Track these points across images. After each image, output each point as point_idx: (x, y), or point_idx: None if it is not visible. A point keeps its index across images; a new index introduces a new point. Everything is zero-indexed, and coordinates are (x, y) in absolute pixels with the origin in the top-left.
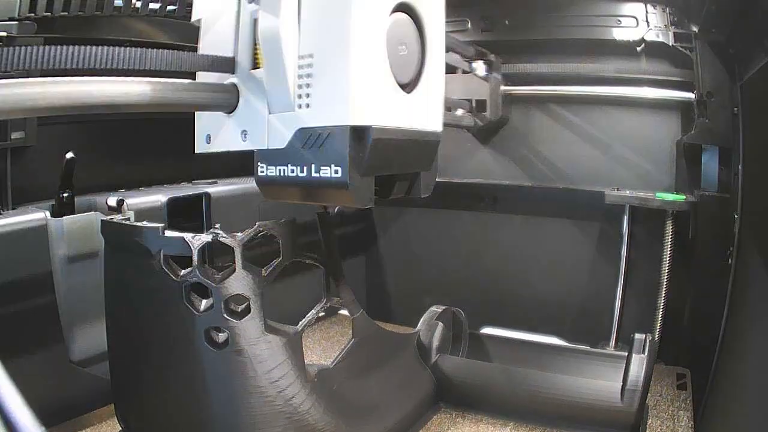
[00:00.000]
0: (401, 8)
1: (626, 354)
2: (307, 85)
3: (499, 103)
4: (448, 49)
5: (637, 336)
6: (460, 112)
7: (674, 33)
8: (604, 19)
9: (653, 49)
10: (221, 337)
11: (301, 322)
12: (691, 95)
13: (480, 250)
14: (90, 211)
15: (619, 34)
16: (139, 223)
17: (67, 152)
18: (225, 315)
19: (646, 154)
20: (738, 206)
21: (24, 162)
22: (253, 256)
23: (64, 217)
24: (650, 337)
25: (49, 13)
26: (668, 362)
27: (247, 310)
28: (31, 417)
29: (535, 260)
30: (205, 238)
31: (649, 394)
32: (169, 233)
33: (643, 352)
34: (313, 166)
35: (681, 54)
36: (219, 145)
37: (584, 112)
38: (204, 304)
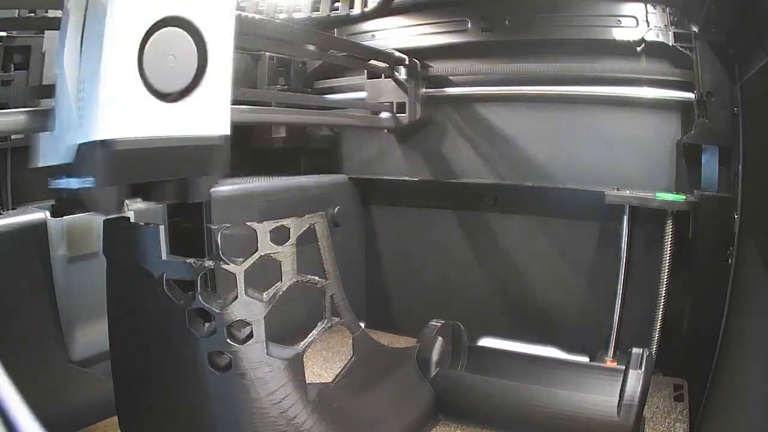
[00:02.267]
0: (172, 23)
1: (623, 368)
2: (81, 107)
3: (417, 105)
4: (370, 57)
5: (635, 350)
6: (385, 114)
7: (674, 33)
8: (604, 19)
9: (653, 49)
10: (224, 359)
11: (302, 343)
12: (691, 95)
13: (479, 251)
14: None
15: (619, 34)
16: (140, 224)
17: None
18: (228, 340)
19: (646, 154)
20: (738, 206)
21: (24, 162)
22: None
23: (64, 217)
24: (647, 352)
25: None
26: (666, 372)
27: (250, 335)
28: (31, 417)
29: (534, 260)
30: (207, 264)
31: (646, 406)
32: (171, 258)
33: (640, 367)
34: (81, 177)
35: (681, 54)
36: (47, 160)
37: (584, 112)
38: (207, 327)
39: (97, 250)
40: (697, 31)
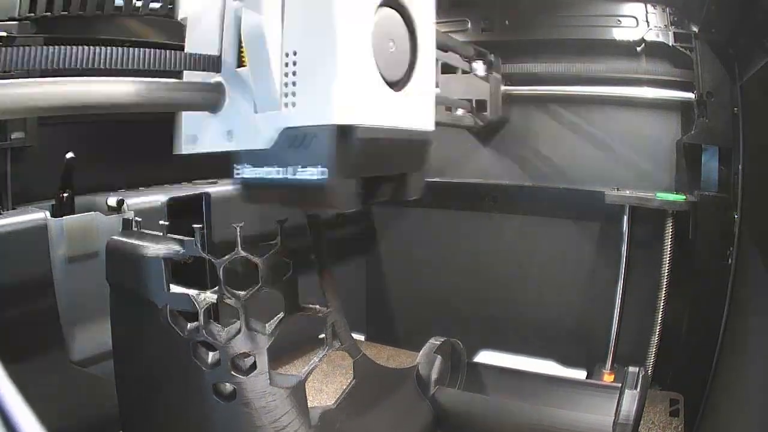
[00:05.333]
0: (388, 3)
1: (619, 385)
2: (293, 84)
3: (499, 103)
4: (447, 49)
5: (631, 369)
6: (460, 112)
7: (674, 33)
8: (604, 19)
9: (653, 49)
10: (229, 388)
11: (303, 371)
12: (691, 95)
13: (479, 251)
14: (90, 211)
15: (619, 34)
16: (144, 254)
17: (67, 152)
18: (232, 372)
19: (646, 154)
20: (738, 206)
21: (24, 162)
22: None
23: (64, 217)
24: (643, 371)
25: (49, 13)
26: (663, 385)
27: (253, 366)
28: (32, 417)
29: (534, 261)
30: (210, 297)
31: (641, 421)
32: (174, 290)
33: (636, 387)
34: (298, 167)
35: (681, 54)
36: (204, 146)
37: (584, 112)
38: (211, 357)
39: (97, 250)
40: (697, 31)
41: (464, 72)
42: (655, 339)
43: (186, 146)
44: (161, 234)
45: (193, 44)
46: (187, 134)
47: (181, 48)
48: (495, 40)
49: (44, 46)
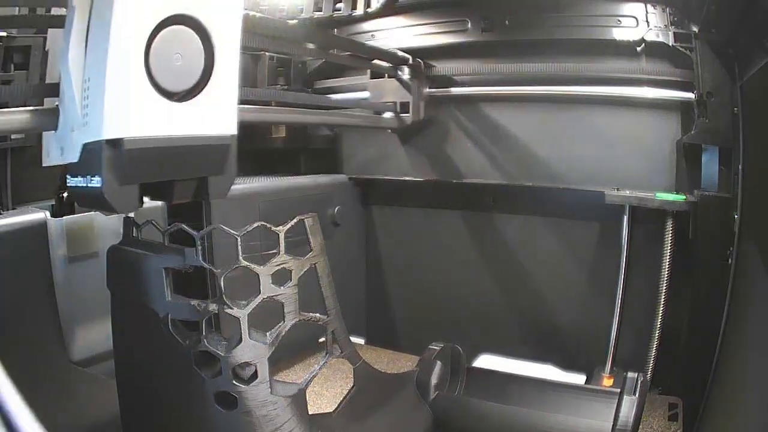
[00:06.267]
0: (179, 21)
1: (618, 390)
2: (86, 105)
3: (420, 105)
4: (373, 57)
5: (629, 375)
6: (388, 114)
7: (674, 33)
8: (604, 19)
9: (653, 49)
10: (230, 397)
11: (304, 378)
12: (691, 95)
13: (478, 253)
14: (90, 211)
15: (619, 34)
16: (144, 262)
17: None
18: (233, 382)
19: (646, 154)
20: (738, 206)
21: (24, 162)
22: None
23: (64, 217)
24: (642, 377)
25: None
26: (662, 388)
27: (254, 375)
28: (32, 417)
29: (533, 265)
30: (212, 307)
31: (640, 426)
32: (175, 299)
33: (634, 393)
34: (88, 176)
35: (681, 54)
36: (51, 160)
37: (584, 112)
38: (212, 366)
39: (98, 250)
40: (697, 31)
41: (390, 77)
42: (654, 342)
43: (44, 159)
44: (162, 243)
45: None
46: (45, 149)
47: None
48: (495, 40)
49: None
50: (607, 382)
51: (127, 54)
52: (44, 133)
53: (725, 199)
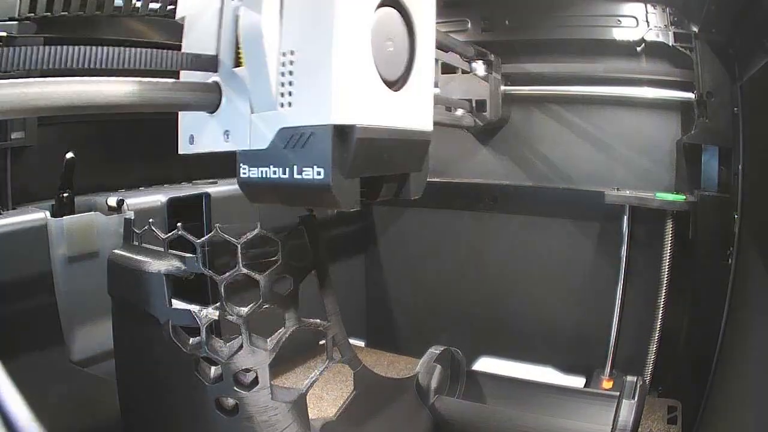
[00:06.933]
0: (388, 3)
1: (617, 394)
2: (290, 83)
3: (499, 103)
4: (447, 49)
5: (629, 379)
6: (460, 112)
7: (674, 33)
8: (604, 19)
9: (653, 49)
10: (231, 402)
11: (305, 384)
12: (691, 95)
13: (479, 253)
14: (90, 211)
15: (619, 34)
16: (145, 269)
17: (67, 152)
18: (234, 387)
19: (646, 154)
20: (738, 206)
21: (24, 162)
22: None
23: (64, 217)
24: (641, 381)
25: (49, 13)
26: (661, 391)
27: (256, 382)
28: (31, 417)
29: (534, 263)
30: (212, 313)
31: (639, 429)
32: (176, 305)
33: (633, 396)
34: (295, 167)
35: (681, 54)
36: (202, 146)
37: (584, 112)
38: (213, 371)
39: (98, 250)
40: (697, 31)
41: (464, 72)
42: (654, 343)
43: (184, 146)
44: (162, 249)
45: (191, 44)
46: (185, 134)
47: (179, 48)
48: (495, 40)
49: (43, 46)
50: (606, 384)
51: (355, 32)
52: (181, 116)
53: (725, 199)
